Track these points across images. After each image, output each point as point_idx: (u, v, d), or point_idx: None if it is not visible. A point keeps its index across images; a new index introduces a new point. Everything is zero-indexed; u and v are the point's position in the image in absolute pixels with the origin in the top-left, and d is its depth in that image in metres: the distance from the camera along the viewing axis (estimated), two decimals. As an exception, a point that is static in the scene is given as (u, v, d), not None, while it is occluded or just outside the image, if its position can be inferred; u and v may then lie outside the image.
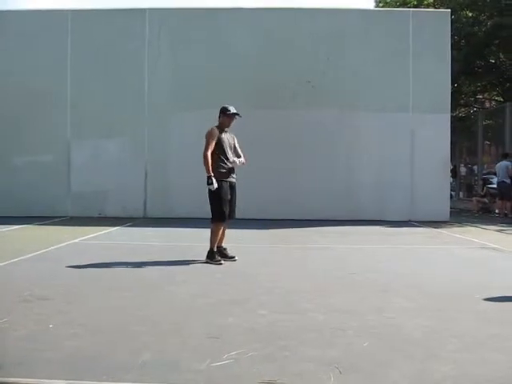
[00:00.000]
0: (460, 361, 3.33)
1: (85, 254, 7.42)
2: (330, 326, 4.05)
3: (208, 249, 6.82)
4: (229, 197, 6.84)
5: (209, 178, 6.65)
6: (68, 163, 13.14)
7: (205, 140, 6.80)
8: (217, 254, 6.81)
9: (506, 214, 14.70)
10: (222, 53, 12.98)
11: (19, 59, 13.08)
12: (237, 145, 7.17)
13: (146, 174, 12.99)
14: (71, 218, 12.39)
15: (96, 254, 7.40)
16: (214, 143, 6.78)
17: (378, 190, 12.86)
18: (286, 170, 12.73)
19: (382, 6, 24.53)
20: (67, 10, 13.55)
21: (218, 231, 6.84)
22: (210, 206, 6.82)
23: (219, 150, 6.82)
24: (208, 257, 6.77)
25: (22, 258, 6.91)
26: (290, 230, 10.65)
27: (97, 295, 5.03)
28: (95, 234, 9.58)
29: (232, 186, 6.94)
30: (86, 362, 3.26)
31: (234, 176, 6.97)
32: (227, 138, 6.98)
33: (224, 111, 6.97)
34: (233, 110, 6.96)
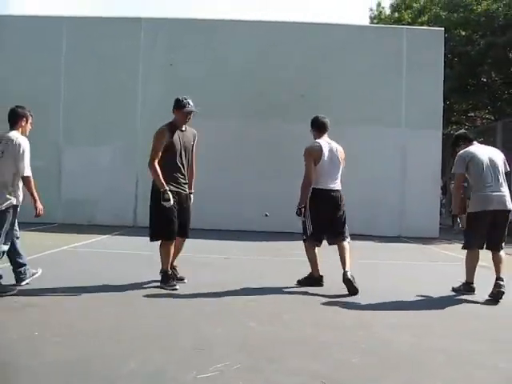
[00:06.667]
0: (446, 377, 3.32)
1: (72, 262, 7.38)
2: (318, 339, 4.04)
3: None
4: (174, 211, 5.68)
5: (163, 192, 5.53)
6: (59, 169, 13.08)
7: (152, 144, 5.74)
8: (171, 278, 5.89)
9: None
10: (216, 64, 13.01)
11: (14, 64, 13.04)
12: (194, 147, 6.01)
13: (137, 182, 12.95)
14: (60, 224, 12.30)
15: (84, 262, 7.36)
16: (161, 148, 5.66)
17: (369, 205, 12.86)
18: (276, 182, 12.70)
19: (377, 23, 24.72)
20: (63, 17, 13.57)
21: (165, 250, 5.85)
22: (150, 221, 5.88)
23: (168, 154, 5.70)
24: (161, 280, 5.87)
25: (8, 264, 6.85)
26: (279, 242, 10.63)
27: (83, 303, 4.99)
28: (84, 242, 9.52)
29: (181, 198, 5.80)
30: (70, 369, 3.22)
31: (184, 186, 5.85)
32: (182, 138, 5.81)
33: (178, 106, 5.75)
34: (189, 104, 5.74)
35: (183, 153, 5.81)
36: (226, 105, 12.49)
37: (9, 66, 13.03)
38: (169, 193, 5.55)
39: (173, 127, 5.76)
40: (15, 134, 5.50)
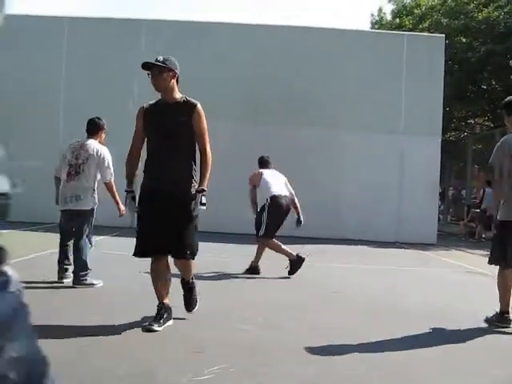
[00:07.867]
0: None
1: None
2: (311, 344, 4.04)
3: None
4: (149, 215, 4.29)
5: (126, 192, 4.46)
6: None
7: None
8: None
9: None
10: (215, 67, 13.00)
11: (15, 64, 13.04)
12: (197, 126, 4.19)
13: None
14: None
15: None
16: (137, 132, 4.42)
17: (366, 210, 12.87)
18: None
19: (378, 28, 24.76)
20: (64, 17, 13.58)
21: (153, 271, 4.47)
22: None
23: (147, 138, 4.35)
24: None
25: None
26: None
27: (76, 305, 4.99)
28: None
29: (154, 196, 4.22)
30: (61, 370, 3.20)
31: (164, 181, 4.18)
32: (162, 114, 4.22)
33: None
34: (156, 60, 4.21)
35: (163, 135, 4.19)
36: (222, 107, 12.48)
37: (9, 65, 13.03)
38: (129, 196, 4.41)
39: (157, 102, 4.33)
40: (95, 144, 6.03)
